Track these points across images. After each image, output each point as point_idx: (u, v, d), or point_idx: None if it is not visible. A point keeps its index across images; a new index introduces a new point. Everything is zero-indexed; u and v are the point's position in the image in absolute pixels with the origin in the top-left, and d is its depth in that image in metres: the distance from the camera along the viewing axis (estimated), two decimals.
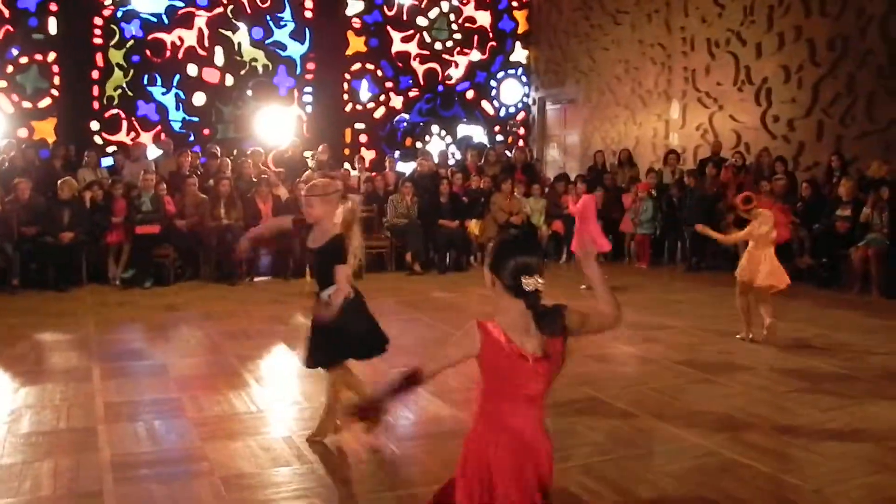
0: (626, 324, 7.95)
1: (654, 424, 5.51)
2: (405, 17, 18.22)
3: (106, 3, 15.43)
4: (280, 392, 6.36)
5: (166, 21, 15.91)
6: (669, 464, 4.79)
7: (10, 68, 14.80)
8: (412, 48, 18.36)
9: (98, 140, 15.38)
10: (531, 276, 2.79)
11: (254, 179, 13.32)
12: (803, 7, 13.68)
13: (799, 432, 5.36)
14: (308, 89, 17.26)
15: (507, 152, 17.55)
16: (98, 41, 15.46)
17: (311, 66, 17.20)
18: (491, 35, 19.19)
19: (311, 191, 5.08)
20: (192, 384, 6.54)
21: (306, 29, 17.14)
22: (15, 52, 14.83)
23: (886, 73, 12.52)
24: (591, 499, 4.31)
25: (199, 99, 16.22)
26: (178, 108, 16.11)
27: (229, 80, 16.44)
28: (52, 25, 15.11)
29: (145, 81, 15.84)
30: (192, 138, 16.02)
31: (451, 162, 17.15)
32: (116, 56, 15.62)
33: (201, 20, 16.17)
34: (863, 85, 12.85)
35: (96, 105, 15.50)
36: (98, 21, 15.42)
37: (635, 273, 13.21)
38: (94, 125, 15.46)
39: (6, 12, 14.73)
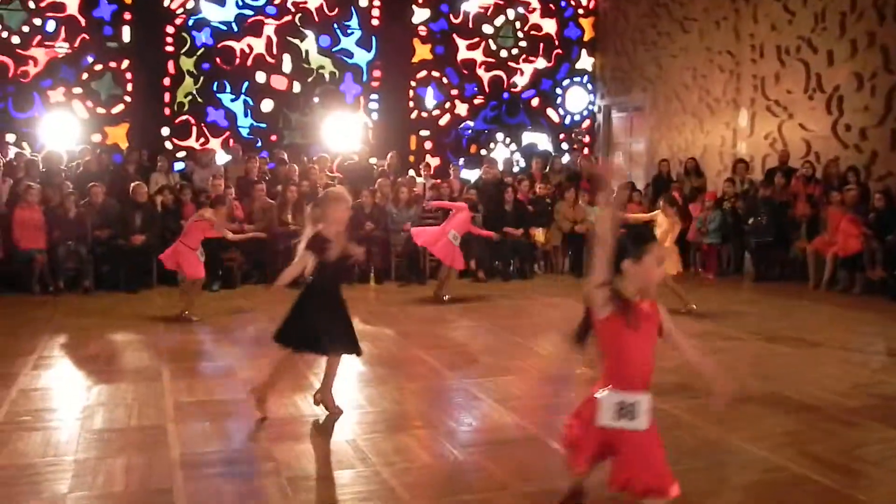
0: (696, 334, 7.88)
1: (719, 436, 5.44)
2: (471, 25, 18.27)
3: (178, 13, 15.77)
4: (343, 396, 6.40)
5: (236, 29, 16.19)
6: (736, 476, 4.74)
7: (85, 75, 15.23)
8: (478, 56, 18.41)
9: (168, 145, 15.72)
10: None
11: (320, 186, 13.45)
12: (876, 13, 13.41)
13: (868, 448, 5.26)
14: (374, 96, 17.41)
15: (569, 160, 17.52)
16: (170, 49, 15.81)
17: (377, 73, 17.35)
18: (557, 42, 19.14)
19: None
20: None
21: (373, 37, 17.30)
22: (90, 59, 15.25)
23: None
24: None
25: (266, 105, 16.47)
26: (246, 115, 16.39)
27: (297, 87, 16.66)
28: (126, 34, 15.51)
29: (215, 88, 16.15)
30: (259, 144, 16.28)
31: (516, 169, 17.13)
32: (187, 63, 15.95)
33: (270, 28, 16.42)
34: None
35: (167, 111, 15.85)
36: (170, 29, 15.77)
37: (702, 283, 13.06)
38: (165, 131, 15.81)
39: (82, 21, 15.16)
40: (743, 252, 14.01)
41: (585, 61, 19.59)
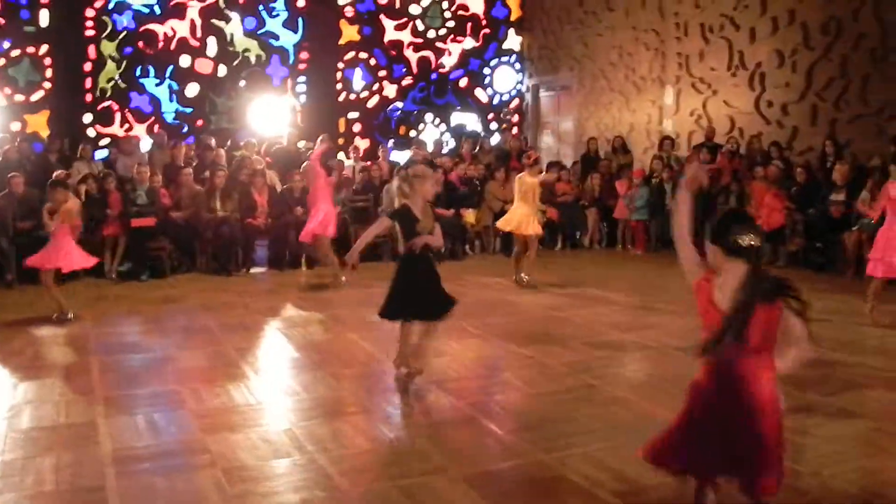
0: (623, 308, 7.93)
1: (654, 410, 5.52)
2: (398, 5, 18.17)
3: None
4: (279, 383, 6.37)
5: (158, 12, 15.84)
6: None
7: (2, 61, 14.76)
8: (405, 36, 18.33)
9: (91, 133, 15.35)
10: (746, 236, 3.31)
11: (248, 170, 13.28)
12: None
13: (798, 416, 5.39)
14: (301, 79, 17.23)
15: (498, 139, 17.58)
16: (90, 33, 15.39)
17: (304, 55, 17.17)
18: (484, 22, 19.14)
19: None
20: (192, 376, 6.56)
21: (299, 18, 17.09)
22: (6, 44, 14.77)
23: (879, 55, 12.52)
24: (591, 487, 4.33)
25: (192, 90, 16.18)
26: (171, 100, 16.07)
27: (222, 71, 16.39)
28: (44, 18, 15.03)
29: (138, 73, 15.78)
30: (185, 129, 16.00)
31: (445, 150, 17.12)
32: (109, 48, 15.55)
33: (193, 11, 16.10)
34: (856, 68, 12.85)
35: (89, 97, 15.45)
36: (90, 13, 15.35)
37: (631, 259, 13.24)
38: (88, 118, 15.41)
39: None
40: (670, 227, 14.15)
41: (513, 41, 19.64)
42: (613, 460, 4.66)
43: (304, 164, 11.99)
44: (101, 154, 14.60)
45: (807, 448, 4.81)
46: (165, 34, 15.90)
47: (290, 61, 17.06)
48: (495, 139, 18.08)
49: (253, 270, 12.19)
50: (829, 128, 13.17)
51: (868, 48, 12.66)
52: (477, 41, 19.06)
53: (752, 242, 3.31)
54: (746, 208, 11.75)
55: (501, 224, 11.15)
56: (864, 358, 7.03)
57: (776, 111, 14.10)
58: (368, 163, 15.05)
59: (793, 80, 13.79)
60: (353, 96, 17.84)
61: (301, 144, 15.15)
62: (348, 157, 15.64)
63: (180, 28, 16.02)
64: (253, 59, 16.69)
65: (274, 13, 16.86)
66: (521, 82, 19.80)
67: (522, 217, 10.53)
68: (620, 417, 5.41)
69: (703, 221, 3.48)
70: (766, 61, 14.22)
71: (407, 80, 18.34)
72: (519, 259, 10.80)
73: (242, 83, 16.55)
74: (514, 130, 19.18)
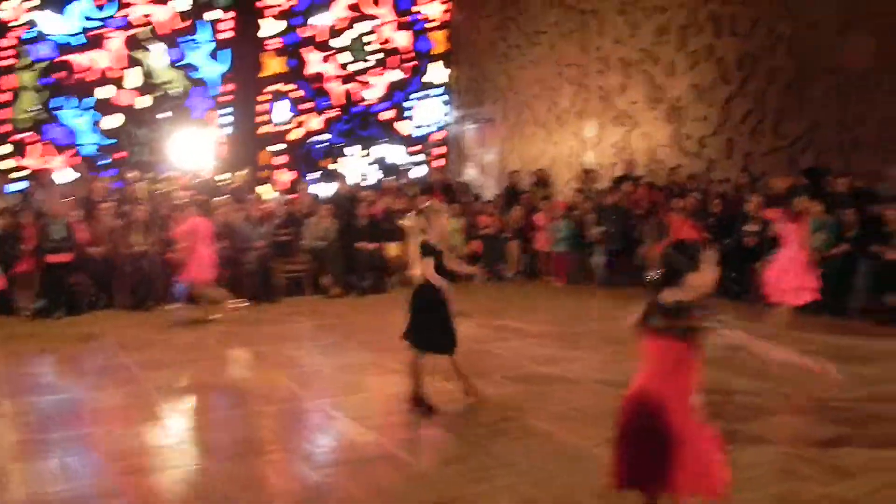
0: (544, 340, 7.98)
1: (575, 442, 5.56)
2: (323, 38, 18.20)
3: (15, 25, 15.09)
4: (198, 423, 6.27)
5: (79, 42, 15.61)
6: (591, 482, 4.83)
7: None
8: (330, 69, 18.35)
9: (8, 164, 14.99)
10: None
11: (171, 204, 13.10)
12: (714, 27, 14.04)
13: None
14: (225, 111, 17.10)
15: (426, 173, 17.65)
16: (7, 63, 15.09)
17: (227, 87, 17.06)
18: (409, 55, 19.27)
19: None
20: (108, 417, 6.41)
21: (222, 50, 16.99)
22: None
23: (794, 89, 12.90)
24: None
25: (113, 122, 15.94)
26: (91, 131, 15.81)
27: (144, 102, 16.19)
28: None
29: (57, 104, 15.51)
30: (105, 162, 15.73)
31: (371, 183, 17.12)
32: (27, 78, 15.27)
33: (115, 41, 15.91)
34: (771, 102, 13.23)
35: (7, 128, 15.12)
36: (6, 42, 15.07)
37: (552, 291, 13.35)
38: (5, 149, 15.07)
39: None
40: (591, 259, 14.31)
41: (437, 73, 19.79)
42: (534, 493, 4.68)
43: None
44: (17, 187, 14.26)
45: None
46: (85, 65, 15.66)
47: (213, 93, 16.93)
48: (420, 172, 18.16)
49: (173, 306, 11.95)
50: (745, 160, 13.52)
51: (782, 83, 13.04)
52: (402, 74, 19.16)
53: (649, 277, 3.54)
54: (664, 239, 11.98)
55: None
56: (775, 385, 7.18)
57: (694, 144, 14.43)
58: (292, 196, 14.96)
59: (710, 114, 14.14)
60: (276, 128, 17.76)
61: (224, 177, 15.02)
62: (272, 191, 15.54)
63: (101, 59, 15.80)
64: (176, 91, 16.53)
65: (197, 45, 16.74)
66: (447, 115, 19.94)
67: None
68: (540, 450, 5.43)
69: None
70: (684, 95, 14.56)
71: (331, 113, 18.34)
72: None
73: (164, 115, 16.36)
74: (439, 163, 19.28)
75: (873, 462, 5.11)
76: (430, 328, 6.44)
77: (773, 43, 13.15)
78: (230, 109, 17.15)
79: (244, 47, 17.21)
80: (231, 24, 17.04)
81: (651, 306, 3.54)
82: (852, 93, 12.21)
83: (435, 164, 19.18)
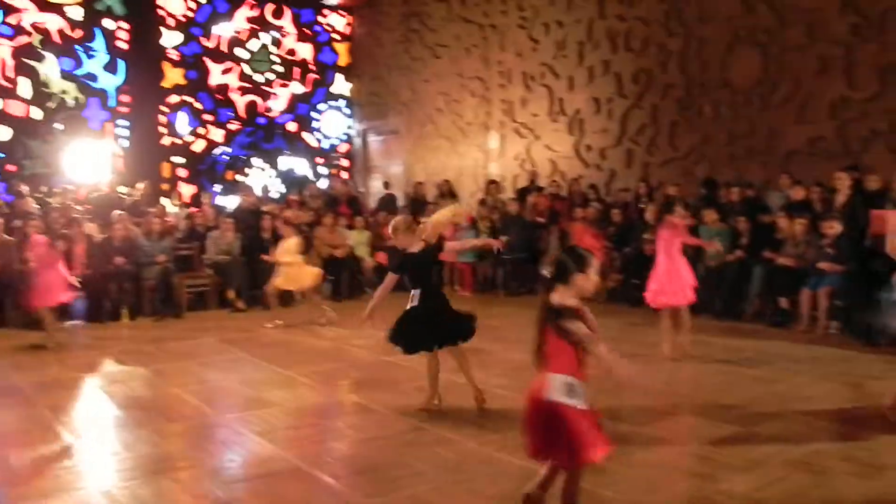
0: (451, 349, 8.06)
1: (477, 449, 5.65)
2: (225, 49, 18.04)
3: None
4: (98, 444, 6.14)
5: None
6: (492, 487, 4.92)
7: None
8: (232, 80, 18.20)
9: None
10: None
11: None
12: (610, 43, 14.41)
13: (614, 446, 5.63)
14: (123, 123, 16.79)
15: (331, 185, 17.62)
16: None
17: (125, 98, 16.77)
18: (313, 67, 19.24)
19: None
20: (2, 441, 6.23)
21: (120, 60, 16.70)
22: None
23: (685, 103, 13.33)
24: None
25: (3, 133, 15.49)
26: None
27: (37, 113, 15.79)
28: None
29: None
30: None
31: (275, 196, 17.02)
32: None
33: (5, 50, 15.49)
34: (665, 115, 13.64)
35: None
36: None
37: (459, 300, 13.43)
38: None
39: None
40: (497, 269, 14.50)
41: (342, 86, 19.82)
42: (438, 500, 4.73)
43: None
44: None
45: (622, 478, 5.03)
46: None
47: (111, 104, 16.62)
48: (324, 184, 18.13)
49: (69, 323, 11.66)
50: (643, 170, 13.88)
51: (675, 97, 13.45)
52: (305, 86, 19.11)
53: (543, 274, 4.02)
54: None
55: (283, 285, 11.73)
56: (675, 387, 7.41)
57: (594, 155, 14.76)
58: (194, 209, 14.76)
59: (609, 127, 14.49)
60: (178, 141, 17.52)
61: (122, 190, 14.74)
62: (173, 204, 15.31)
63: None
64: (71, 102, 16.17)
65: (92, 54, 16.41)
66: (351, 127, 19.95)
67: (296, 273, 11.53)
68: (446, 458, 5.50)
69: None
70: (584, 108, 14.89)
71: (234, 125, 18.18)
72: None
73: (59, 126, 15.98)
74: (344, 175, 19.27)
75: (765, 457, 5.32)
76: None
77: (665, 59, 13.58)
78: (128, 121, 16.84)
79: (143, 57, 16.94)
80: (126, 34, 16.75)
81: (543, 303, 4.01)
82: (741, 106, 12.67)
83: (339, 176, 19.16)
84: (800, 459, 5.32)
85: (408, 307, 6.79)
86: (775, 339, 9.68)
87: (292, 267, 11.44)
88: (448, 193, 16.29)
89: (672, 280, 8.56)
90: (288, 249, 11.44)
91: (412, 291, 6.81)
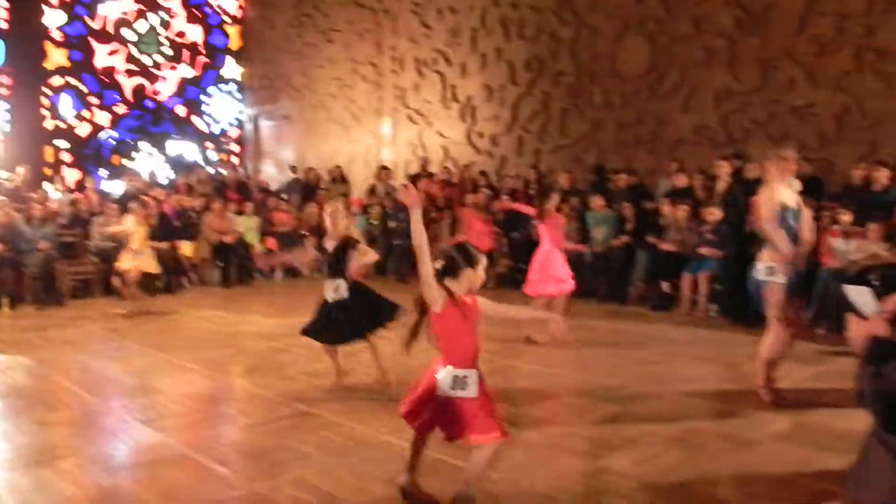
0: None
1: (364, 432, 5.68)
2: (111, 30, 17.55)
3: None
4: None
5: None
6: (378, 469, 4.96)
7: None
8: (119, 62, 17.73)
9: None
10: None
11: None
12: (503, 30, 14.55)
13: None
14: (3, 105, 16.20)
15: (221, 170, 17.34)
16: None
17: (5, 80, 16.18)
18: (202, 50, 18.89)
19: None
20: None
21: None
22: None
23: (576, 91, 13.57)
24: None
25: None
26: None
27: None
28: None
29: None
30: None
31: (163, 181, 16.66)
32: None
33: None
34: (556, 102, 13.86)
35: None
36: None
37: None
38: None
39: None
40: (389, 255, 14.51)
41: (233, 70, 19.51)
42: (325, 483, 4.75)
43: None
44: None
45: (506, 457, 5.13)
46: None
47: None
48: (214, 169, 17.85)
49: None
50: (534, 157, 14.09)
51: (566, 85, 13.68)
52: (195, 69, 18.75)
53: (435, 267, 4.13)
54: (458, 234, 12.41)
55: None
56: (558, 369, 7.58)
57: (486, 142, 14.91)
58: (78, 194, 14.35)
59: (501, 114, 14.65)
60: (61, 124, 16.99)
61: (3, 175, 14.23)
62: (56, 189, 14.86)
63: None
64: None
65: None
66: (242, 111, 19.68)
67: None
68: (332, 441, 5.51)
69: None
70: (476, 95, 15.01)
71: (121, 108, 17.72)
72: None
73: None
74: (235, 160, 19.00)
75: (643, 435, 5.50)
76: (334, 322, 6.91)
77: (556, 48, 13.79)
78: (8, 104, 16.26)
79: (24, 37, 16.36)
80: (6, 13, 16.16)
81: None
82: (629, 95, 12.98)
83: (229, 161, 18.88)
84: (676, 436, 5.53)
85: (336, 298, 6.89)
86: (657, 322, 9.98)
87: (138, 250, 10.93)
88: (340, 179, 16.23)
89: (547, 270, 8.79)
90: (129, 230, 10.98)
91: (337, 281, 6.90)
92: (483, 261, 4.21)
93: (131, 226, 10.94)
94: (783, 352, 6.31)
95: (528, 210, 9.69)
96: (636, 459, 4.99)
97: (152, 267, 11.21)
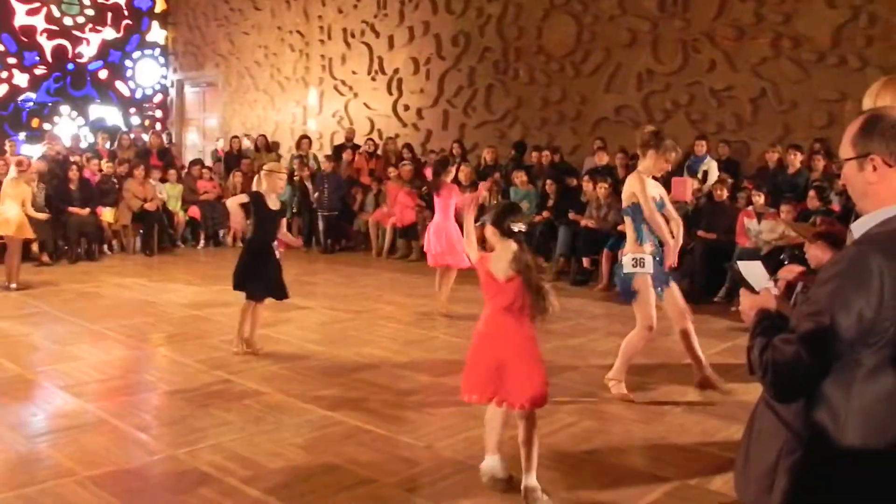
0: (265, 304, 8.17)
1: (283, 400, 5.78)
2: None
3: None
4: None
5: None
6: (296, 436, 5.06)
7: None
8: (39, 22, 17.30)
9: None
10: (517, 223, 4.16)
11: None
12: (431, 4, 14.61)
13: (415, 396, 5.90)
14: None
15: (144, 136, 17.08)
16: None
17: None
18: (126, 13, 18.53)
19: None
20: None
21: None
22: None
23: (501, 67, 13.72)
24: (221, 475, 4.46)
25: None
26: None
27: None
28: None
29: None
30: None
31: (84, 146, 16.35)
32: None
33: None
34: (482, 78, 14.00)
35: None
36: None
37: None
38: None
39: None
40: (313, 225, 14.52)
41: (157, 34, 19.21)
42: (243, 449, 4.83)
43: None
44: None
45: (422, 425, 5.29)
46: None
47: None
48: (136, 135, 17.56)
49: None
50: (459, 132, 14.21)
51: (492, 60, 13.82)
52: (118, 32, 18.41)
53: (521, 228, 4.17)
54: (381, 206, 12.51)
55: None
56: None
57: (412, 115, 14.99)
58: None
59: (427, 87, 14.73)
60: None
61: None
62: None
63: None
64: None
65: None
66: (166, 77, 19.39)
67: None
68: (252, 409, 5.59)
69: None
70: (402, 68, 15.06)
71: (40, 70, 17.32)
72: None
73: None
74: (158, 126, 18.73)
75: (556, 406, 5.61)
76: (262, 278, 7.04)
77: (483, 23, 13.90)
78: None
79: None
80: None
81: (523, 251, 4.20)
82: (554, 73, 13.17)
83: (153, 127, 18.60)
84: (589, 408, 5.73)
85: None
86: (576, 296, 10.20)
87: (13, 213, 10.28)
88: (265, 148, 16.13)
89: (441, 241, 8.79)
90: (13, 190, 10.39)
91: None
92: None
93: (8, 188, 10.39)
94: (642, 350, 6.16)
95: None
96: (548, 430, 5.16)
97: (27, 232, 10.51)
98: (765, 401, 2.37)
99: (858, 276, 2.08)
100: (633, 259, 5.94)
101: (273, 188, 7.11)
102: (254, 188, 7.28)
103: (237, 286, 7.09)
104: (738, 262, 2.67)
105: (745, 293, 2.55)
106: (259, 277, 7.05)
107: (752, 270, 2.59)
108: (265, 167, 7.36)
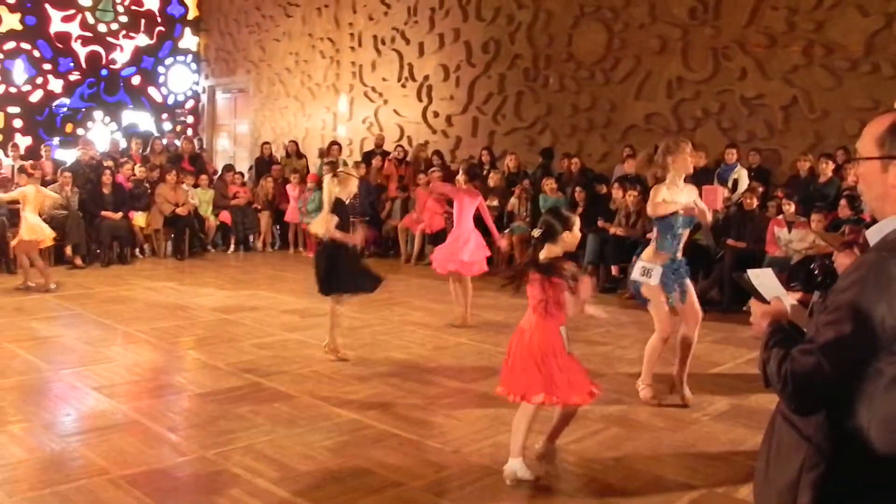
0: (292, 309, 8.22)
1: (312, 403, 5.82)
2: None
3: None
4: None
5: None
6: (326, 439, 5.11)
7: None
8: (74, 29, 17.52)
9: None
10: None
11: None
12: (461, 11, 14.65)
13: (443, 401, 5.92)
14: None
15: (176, 141, 17.24)
16: None
17: None
18: (159, 19, 18.73)
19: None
20: None
21: None
22: None
23: (531, 75, 13.73)
24: (251, 477, 4.51)
25: None
26: None
27: None
28: None
29: None
30: None
31: (117, 151, 16.50)
32: None
33: None
34: (512, 85, 14.01)
35: None
36: None
37: (303, 261, 13.51)
38: None
39: None
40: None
41: (189, 40, 19.39)
42: (273, 451, 4.88)
43: None
44: None
45: (450, 429, 5.31)
46: None
47: None
48: (168, 140, 17.72)
49: None
50: (488, 139, 14.23)
51: (522, 68, 13.84)
52: (151, 38, 18.60)
53: (534, 234, 4.51)
54: (410, 212, 12.54)
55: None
56: (504, 348, 7.74)
57: (441, 122, 15.02)
58: (30, 162, 14.20)
59: (456, 94, 14.76)
60: (13, 90, 16.77)
61: None
62: (7, 156, 14.70)
63: None
64: None
65: None
66: (198, 83, 19.56)
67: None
68: (282, 412, 5.64)
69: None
70: (432, 75, 15.11)
71: (75, 75, 17.53)
72: None
73: None
74: (189, 132, 18.90)
75: (585, 412, 5.54)
76: (341, 275, 7.06)
77: (513, 30, 13.93)
78: None
79: None
80: None
81: (531, 262, 4.50)
82: (584, 80, 13.16)
83: (184, 133, 18.77)
84: (617, 414, 5.73)
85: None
86: (605, 304, 10.14)
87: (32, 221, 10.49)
88: (295, 154, 16.22)
89: (456, 248, 8.65)
90: (28, 197, 10.55)
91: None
92: (577, 221, 4.55)
93: (31, 192, 10.60)
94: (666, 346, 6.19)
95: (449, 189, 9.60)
96: (577, 436, 5.17)
97: (46, 237, 10.64)
98: (782, 413, 2.31)
99: (879, 282, 2.00)
100: (643, 268, 5.99)
101: (348, 191, 7.24)
102: (326, 191, 7.19)
103: (328, 291, 7.16)
104: (748, 271, 2.52)
105: (756, 304, 2.44)
106: (349, 275, 7.15)
107: (764, 278, 2.47)
108: (341, 171, 7.39)
